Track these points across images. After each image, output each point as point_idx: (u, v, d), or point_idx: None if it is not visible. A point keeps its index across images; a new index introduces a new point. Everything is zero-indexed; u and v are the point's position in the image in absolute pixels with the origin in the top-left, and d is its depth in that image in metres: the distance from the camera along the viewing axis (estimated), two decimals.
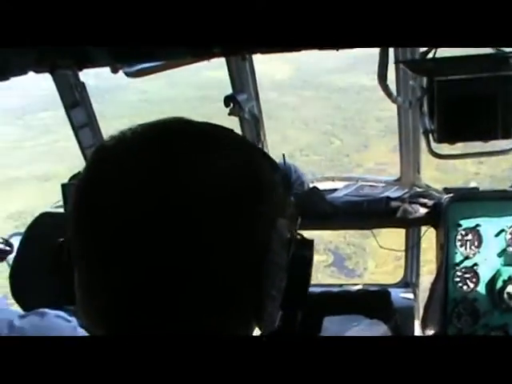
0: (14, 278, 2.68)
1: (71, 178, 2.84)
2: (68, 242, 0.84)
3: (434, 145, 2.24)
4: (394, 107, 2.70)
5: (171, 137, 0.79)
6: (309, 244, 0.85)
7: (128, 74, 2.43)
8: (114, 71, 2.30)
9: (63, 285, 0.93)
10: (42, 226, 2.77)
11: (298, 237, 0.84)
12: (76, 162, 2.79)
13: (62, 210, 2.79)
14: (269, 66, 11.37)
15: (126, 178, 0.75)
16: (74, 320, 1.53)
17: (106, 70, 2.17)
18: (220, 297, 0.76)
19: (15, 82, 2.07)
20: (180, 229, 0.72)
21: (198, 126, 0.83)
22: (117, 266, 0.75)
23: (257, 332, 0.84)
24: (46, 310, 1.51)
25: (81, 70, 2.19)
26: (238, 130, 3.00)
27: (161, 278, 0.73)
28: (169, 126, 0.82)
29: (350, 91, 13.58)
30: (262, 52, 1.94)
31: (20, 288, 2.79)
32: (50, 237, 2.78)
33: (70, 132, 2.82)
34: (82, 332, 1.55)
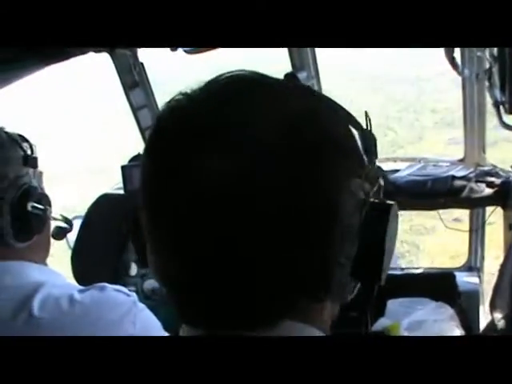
0: (75, 257, 2.72)
1: (131, 160, 2.85)
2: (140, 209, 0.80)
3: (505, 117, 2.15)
4: (450, 98, 2.62)
5: (246, 91, 0.74)
6: (386, 207, 0.78)
7: (187, 52, 2.42)
8: (174, 49, 2.29)
9: (138, 249, 0.90)
10: (102, 206, 2.80)
11: (376, 200, 0.77)
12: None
13: (121, 192, 2.80)
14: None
15: (202, 136, 0.70)
16: (133, 295, 1.52)
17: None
18: (287, 262, 0.71)
19: None
20: (252, 187, 0.68)
21: (268, 79, 0.78)
22: (189, 235, 0.71)
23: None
24: (106, 284, 1.50)
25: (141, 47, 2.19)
26: None
27: (231, 246, 0.70)
28: (239, 82, 0.77)
29: (405, 82, 13.30)
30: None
31: (81, 267, 2.82)
32: (111, 217, 2.79)
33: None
34: (141, 307, 1.53)
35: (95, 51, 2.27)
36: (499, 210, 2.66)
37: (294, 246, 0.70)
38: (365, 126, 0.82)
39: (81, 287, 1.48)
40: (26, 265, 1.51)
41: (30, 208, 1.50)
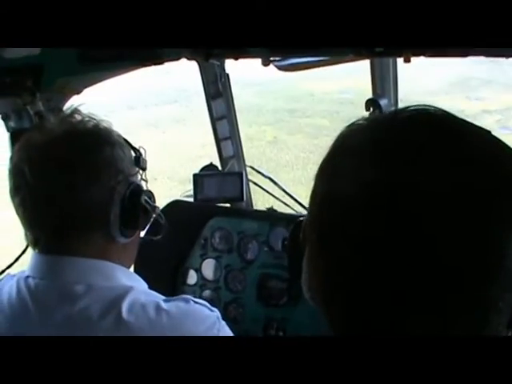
0: (138, 258, 2.72)
1: (202, 169, 2.87)
2: (306, 221, 0.84)
3: None
4: None
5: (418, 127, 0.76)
6: None
7: (279, 68, 2.43)
8: (266, 64, 2.30)
9: (293, 260, 0.96)
10: (172, 213, 2.81)
11: None
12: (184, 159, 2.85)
13: (191, 200, 2.82)
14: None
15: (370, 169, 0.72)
16: (216, 310, 1.54)
17: None
18: (444, 299, 0.70)
19: None
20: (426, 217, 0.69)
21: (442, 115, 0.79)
22: (358, 252, 0.72)
23: None
24: (189, 297, 1.52)
25: (236, 59, 2.21)
26: None
27: (398, 273, 0.70)
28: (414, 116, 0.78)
29: None
30: (429, 55, 1.90)
31: (142, 271, 2.83)
32: (179, 224, 2.79)
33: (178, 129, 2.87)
34: (223, 322, 1.54)
35: (188, 59, 2.30)
36: None
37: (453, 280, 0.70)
38: None
39: (164, 297, 1.50)
40: (117, 267, 1.55)
41: (142, 201, 1.55)
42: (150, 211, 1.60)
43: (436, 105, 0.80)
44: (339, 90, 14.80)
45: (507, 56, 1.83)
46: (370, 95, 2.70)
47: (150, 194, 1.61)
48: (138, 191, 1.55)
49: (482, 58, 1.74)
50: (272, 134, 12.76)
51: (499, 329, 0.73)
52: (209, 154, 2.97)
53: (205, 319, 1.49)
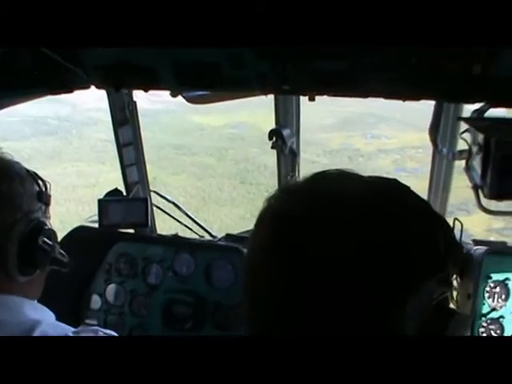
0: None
1: (107, 194, 2.86)
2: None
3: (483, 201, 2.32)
4: None
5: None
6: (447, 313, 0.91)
7: (187, 99, 2.48)
8: (174, 95, 2.35)
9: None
10: (76, 238, 2.79)
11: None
12: None
13: (96, 225, 2.81)
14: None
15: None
16: None
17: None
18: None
19: None
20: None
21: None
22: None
23: None
24: (98, 328, 1.54)
25: (146, 91, 2.23)
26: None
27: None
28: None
29: (343, 154, 12.88)
30: (331, 95, 2.02)
31: (45, 297, 2.79)
32: (84, 249, 2.79)
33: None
34: None
35: (98, 87, 2.30)
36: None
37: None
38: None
39: (73, 329, 1.51)
40: (23, 301, 1.51)
41: (40, 242, 1.52)
42: (50, 251, 1.57)
43: (331, 143, 0.91)
44: (230, 125, 14.37)
45: (405, 99, 1.98)
46: (261, 130, 2.82)
47: (51, 233, 1.56)
48: (37, 230, 1.50)
49: None
50: (152, 175, 11.97)
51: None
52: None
53: None
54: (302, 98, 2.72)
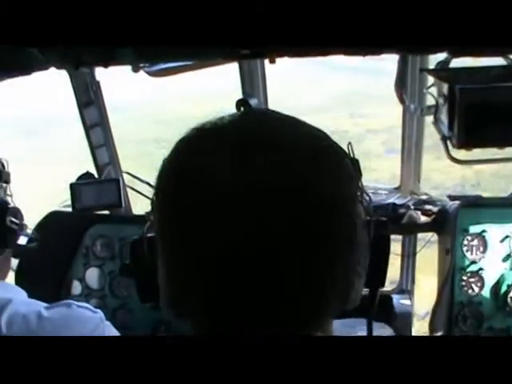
0: (19, 273, 2.65)
1: (79, 178, 2.83)
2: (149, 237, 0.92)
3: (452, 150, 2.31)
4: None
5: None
6: (385, 224, 0.92)
7: (150, 74, 2.45)
8: (136, 70, 2.32)
9: (143, 280, 1.00)
10: (51, 224, 2.76)
11: (374, 218, 0.89)
12: None
13: (69, 210, 2.78)
14: None
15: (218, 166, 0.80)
16: (99, 311, 1.55)
17: None
18: (313, 274, 0.79)
19: None
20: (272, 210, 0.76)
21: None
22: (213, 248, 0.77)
23: None
24: (71, 301, 1.52)
25: (106, 67, 2.20)
26: None
27: (252, 261, 0.76)
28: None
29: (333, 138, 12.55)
30: (292, 56, 1.99)
31: (24, 284, 2.76)
32: (59, 235, 2.76)
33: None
34: (107, 323, 1.56)
35: (58, 68, 2.26)
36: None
37: (318, 258, 0.79)
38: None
39: (46, 304, 1.49)
40: None
41: (8, 222, 1.50)
42: (17, 229, 1.56)
43: (320, 125, 0.89)
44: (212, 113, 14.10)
45: (365, 54, 1.95)
46: None
47: (16, 211, 1.57)
48: (3, 210, 1.51)
49: (360, 70, 1.86)
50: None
51: (359, 289, 0.86)
52: None
53: (88, 321, 1.49)
54: (283, 84, 2.70)
